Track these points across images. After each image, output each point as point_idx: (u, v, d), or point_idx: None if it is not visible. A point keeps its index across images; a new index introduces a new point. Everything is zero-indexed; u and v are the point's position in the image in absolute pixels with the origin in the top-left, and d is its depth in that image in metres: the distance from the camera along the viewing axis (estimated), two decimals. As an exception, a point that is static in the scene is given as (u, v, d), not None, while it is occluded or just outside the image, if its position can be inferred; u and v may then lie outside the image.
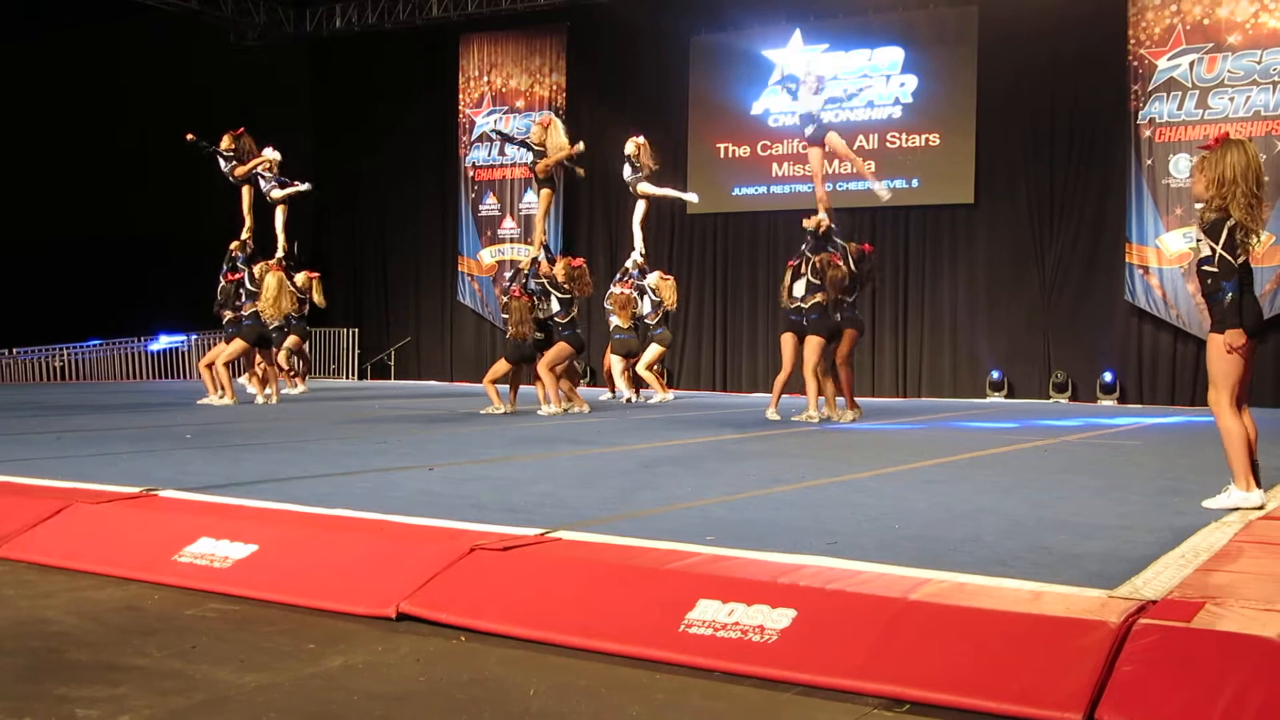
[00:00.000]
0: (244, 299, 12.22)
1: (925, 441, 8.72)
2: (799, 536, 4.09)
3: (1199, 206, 4.94)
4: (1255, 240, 4.75)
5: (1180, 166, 14.48)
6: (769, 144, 17.25)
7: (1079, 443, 8.73)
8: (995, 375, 15.70)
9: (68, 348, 17.98)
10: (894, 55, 16.51)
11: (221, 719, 2.56)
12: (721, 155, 17.57)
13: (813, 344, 10.24)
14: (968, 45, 15.94)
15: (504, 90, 19.20)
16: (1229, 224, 4.69)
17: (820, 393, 10.40)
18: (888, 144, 16.50)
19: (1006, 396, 15.54)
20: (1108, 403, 14.87)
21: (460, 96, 19.54)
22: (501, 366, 11.31)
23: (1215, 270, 4.74)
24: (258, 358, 13.22)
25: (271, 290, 12.00)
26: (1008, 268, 15.90)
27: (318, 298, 14.40)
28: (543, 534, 4.01)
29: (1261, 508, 4.80)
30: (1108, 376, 15.06)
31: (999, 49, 15.63)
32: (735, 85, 17.41)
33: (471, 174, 19.42)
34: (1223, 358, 4.77)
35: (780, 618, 3.02)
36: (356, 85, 20.42)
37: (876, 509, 4.86)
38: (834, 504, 5.02)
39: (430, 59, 19.56)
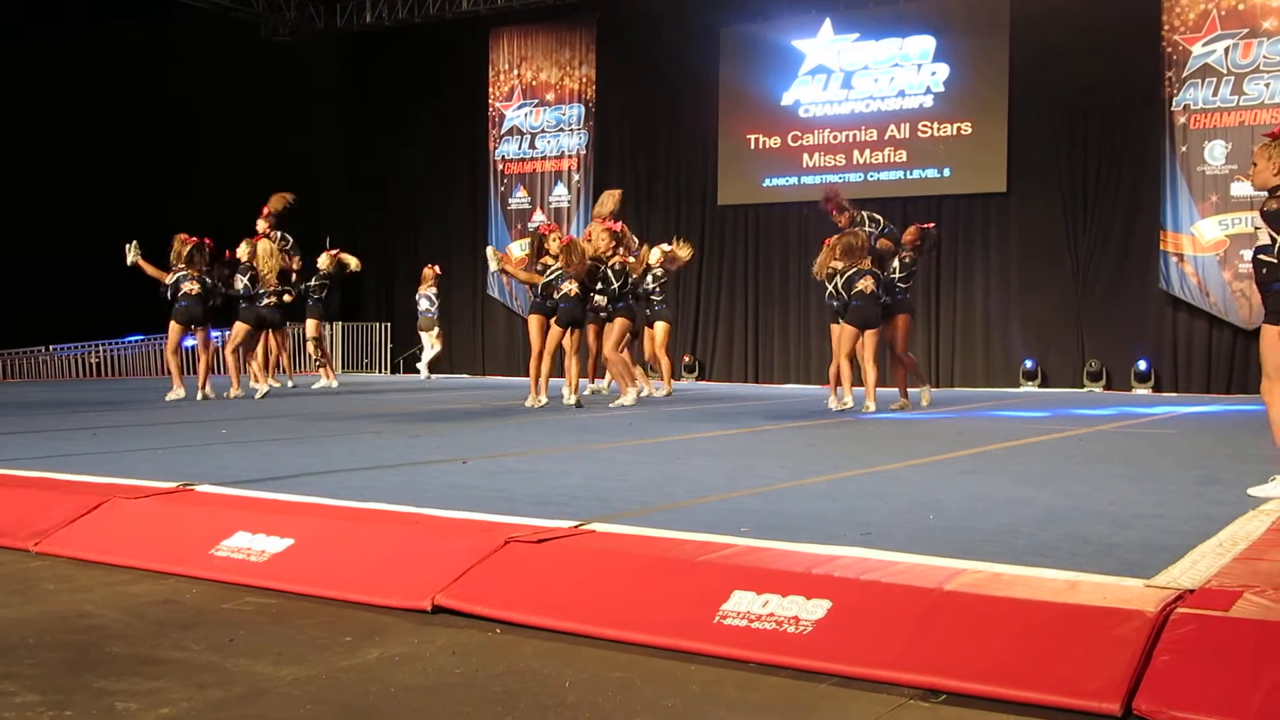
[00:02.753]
0: (233, 282, 12.21)
1: (958, 431, 8.67)
2: (833, 527, 4.08)
3: (1263, 195, 4.83)
4: None
5: (1215, 153, 14.33)
6: (800, 134, 17.19)
7: (1114, 432, 8.66)
8: (1028, 364, 15.59)
9: (104, 344, 18.14)
10: (925, 44, 16.41)
11: (259, 711, 2.58)
12: (752, 146, 17.52)
13: (846, 332, 10.36)
14: (1000, 33, 15.82)
15: (534, 83, 19.22)
16: None
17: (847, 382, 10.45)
18: (919, 133, 16.40)
19: (1040, 386, 15.44)
20: (1142, 391, 14.74)
21: (490, 90, 19.57)
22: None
23: (1274, 260, 4.64)
24: (263, 347, 13.33)
25: (265, 255, 12.07)
26: (1041, 256, 15.78)
27: (350, 260, 14.69)
28: (577, 526, 4.02)
29: None
30: (1142, 365, 14.93)
31: (1031, 36, 15.50)
32: (765, 76, 17.36)
33: (501, 167, 19.46)
34: (1276, 348, 4.70)
35: (815, 609, 3.02)
36: (386, 80, 20.50)
37: (910, 499, 4.84)
38: (867, 495, 5.01)
39: (460, 53, 19.60)
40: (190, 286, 11.71)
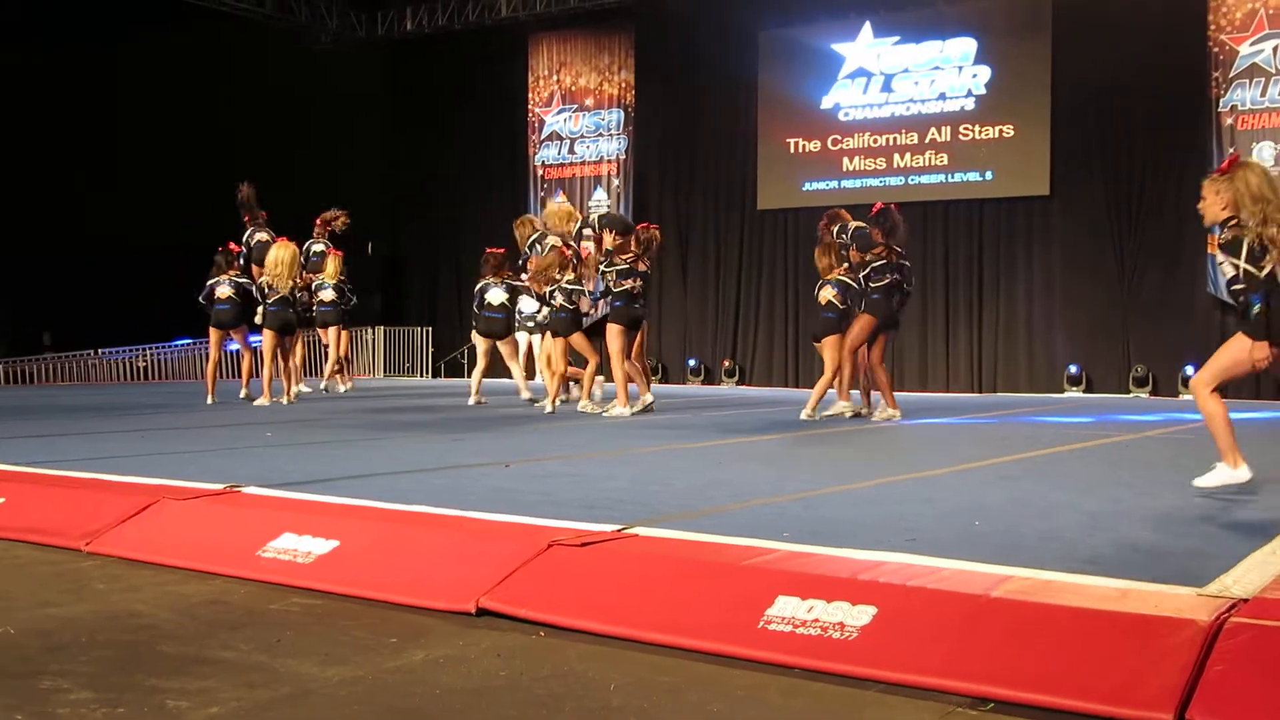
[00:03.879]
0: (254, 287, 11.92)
1: (1002, 437, 8.61)
2: (877, 533, 4.06)
3: (1215, 231, 5.01)
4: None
5: (1264, 155, 14.15)
6: (839, 138, 17.14)
7: (1161, 438, 8.57)
8: (1073, 370, 15.46)
9: (152, 348, 18.36)
10: (966, 46, 16.31)
11: (306, 711, 2.60)
12: (792, 150, 17.49)
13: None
14: (1041, 34, 15.71)
15: (573, 89, 19.28)
16: (1247, 240, 4.79)
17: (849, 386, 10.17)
18: (960, 136, 16.30)
19: (1085, 391, 15.30)
20: (1190, 397, 14.55)
21: (530, 95, 19.65)
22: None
23: (1243, 286, 4.78)
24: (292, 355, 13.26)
25: (285, 260, 11.61)
26: (1084, 260, 15.64)
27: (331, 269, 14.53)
28: (620, 530, 4.02)
29: (1249, 482, 4.95)
30: (1189, 370, 14.75)
31: (1073, 37, 15.38)
32: (805, 79, 17.32)
33: (541, 172, 19.53)
34: (1237, 355, 4.93)
35: (860, 615, 3.00)
36: (427, 87, 20.64)
37: (955, 505, 4.81)
38: (912, 500, 4.98)
39: (500, 59, 19.70)
40: (223, 291, 11.91)
